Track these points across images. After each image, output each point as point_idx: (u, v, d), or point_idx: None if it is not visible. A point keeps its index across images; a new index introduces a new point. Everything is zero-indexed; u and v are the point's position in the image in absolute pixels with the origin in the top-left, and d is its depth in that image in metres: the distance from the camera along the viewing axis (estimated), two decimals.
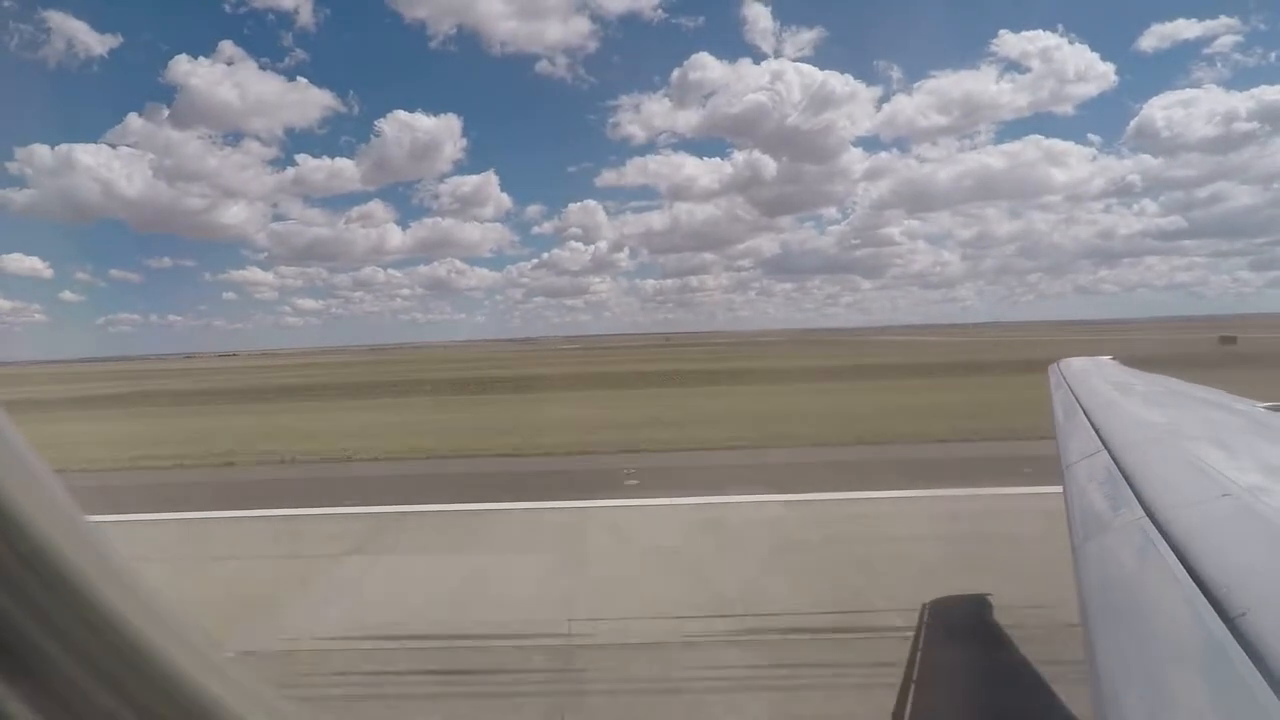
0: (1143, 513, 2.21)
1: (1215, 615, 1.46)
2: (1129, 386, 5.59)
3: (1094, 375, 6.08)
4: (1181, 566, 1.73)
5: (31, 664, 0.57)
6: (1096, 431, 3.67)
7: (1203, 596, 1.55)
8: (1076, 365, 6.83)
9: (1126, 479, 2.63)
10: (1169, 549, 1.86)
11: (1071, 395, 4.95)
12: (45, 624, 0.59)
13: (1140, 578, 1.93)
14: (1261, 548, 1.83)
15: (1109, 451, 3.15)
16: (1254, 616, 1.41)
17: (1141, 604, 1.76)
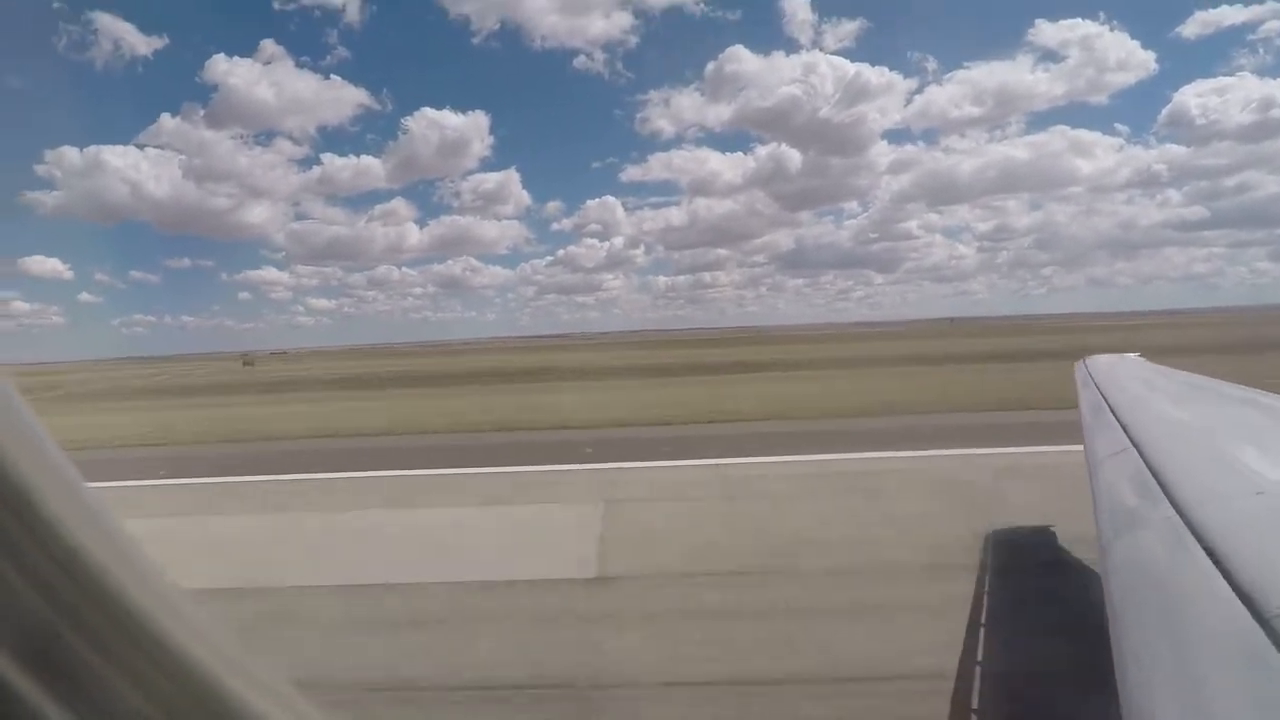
0: (1173, 510, 2.16)
1: (1249, 615, 1.42)
2: (1157, 383, 5.48)
3: (1121, 372, 5.96)
4: (1212, 565, 1.69)
5: (62, 663, 0.59)
6: (1124, 429, 3.59)
7: (1235, 596, 1.51)
8: (1103, 362, 6.68)
9: (1155, 476, 2.58)
10: (1199, 547, 1.82)
11: (1098, 393, 4.85)
12: (76, 624, 0.60)
13: (1170, 576, 1.88)
14: None
15: (1137, 449, 3.08)
16: None
17: (1171, 602, 1.72)
